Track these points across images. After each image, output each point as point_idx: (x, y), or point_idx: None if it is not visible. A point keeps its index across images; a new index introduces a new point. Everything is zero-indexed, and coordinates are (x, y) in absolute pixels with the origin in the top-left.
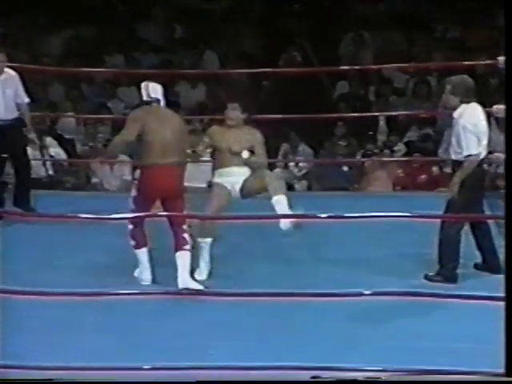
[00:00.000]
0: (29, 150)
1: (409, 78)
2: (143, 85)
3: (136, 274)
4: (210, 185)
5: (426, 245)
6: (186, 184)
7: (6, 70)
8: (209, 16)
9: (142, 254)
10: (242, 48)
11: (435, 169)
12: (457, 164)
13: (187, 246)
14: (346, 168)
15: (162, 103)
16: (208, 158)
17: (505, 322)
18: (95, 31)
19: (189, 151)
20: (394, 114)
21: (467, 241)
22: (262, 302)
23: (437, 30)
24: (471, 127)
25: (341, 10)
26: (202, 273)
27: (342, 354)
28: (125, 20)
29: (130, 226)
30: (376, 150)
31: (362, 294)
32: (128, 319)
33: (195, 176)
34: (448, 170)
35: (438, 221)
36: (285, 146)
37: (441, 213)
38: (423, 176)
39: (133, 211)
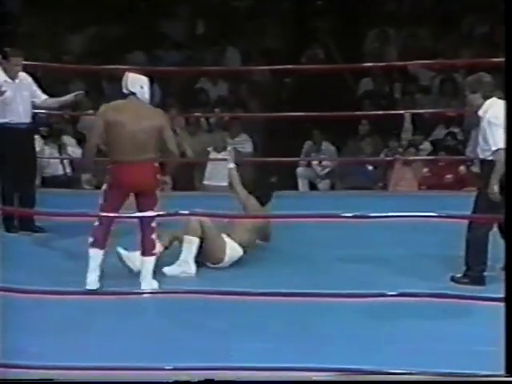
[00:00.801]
0: (46, 149)
1: (435, 75)
2: (124, 76)
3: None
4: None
5: (453, 246)
6: (206, 183)
7: (20, 73)
8: (231, 13)
9: (95, 255)
10: (264, 45)
11: (462, 168)
12: (486, 163)
13: (155, 250)
14: (370, 167)
15: (144, 96)
16: (227, 157)
17: (505, 322)
18: (116, 28)
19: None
20: (419, 111)
21: (495, 242)
22: (284, 302)
23: (464, 26)
24: (496, 121)
25: (365, 6)
26: (191, 267)
27: (362, 355)
28: (146, 17)
29: (96, 223)
30: (400, 149)
31: (385, 295)
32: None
33: (214, 174)
34: (475, 169)
35: (465, 221)
36: (307, 145)
37: (468, 213)
38: (449, 175)
39: (101, 206)
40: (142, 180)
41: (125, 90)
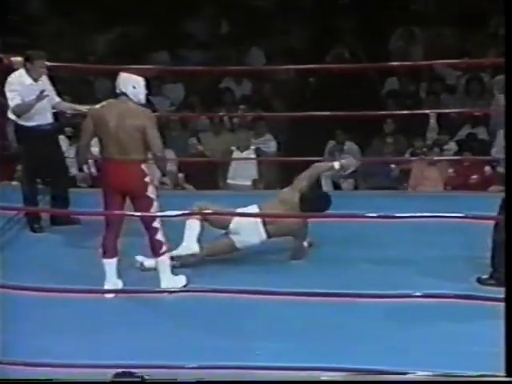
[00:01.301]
0: (71, 149)
1: (461, 74)
2: (118, 76)
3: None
4: (255, 182)
5: (479, 247)
6: (229, 182)
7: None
8: (255, 12)
9: (109, 264)
10: (288, 44)
11: (487, 168)
12: None
13: (163, 249)
14: (394, 167)
15: (138, 97)
16: (253, 156)
17: (505, 322)
18: (141, 28)
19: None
20: (444, 111)
21: None
22: (307, 302)
23: (491, 26)
24: None
25: (390, 5)
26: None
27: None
28: (171, 16)
29: (104, 233)
30: (425, 149)
31: (411, 296)
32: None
33: (239, 173)
34: (501, 169)
35: (491, 222)
36: (330, 144)
37: (493, 214)
38: (475, 176)
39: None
40: (127, 181)
41: (117, 90)
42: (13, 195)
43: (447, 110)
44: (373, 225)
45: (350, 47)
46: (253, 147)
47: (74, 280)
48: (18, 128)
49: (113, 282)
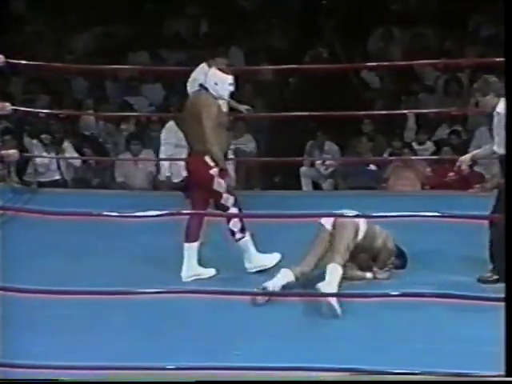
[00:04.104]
0: (46, 155)
1: (439, 74)
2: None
3: None
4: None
5: (457, 245)
6: None
7: None
8: (235, 12)
9: (190, 249)
10: (268, 44)
11: (465, 167)
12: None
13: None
14: (373, 166)
15: (218, 93)
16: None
17: (505, 322)
18: (121, 28)
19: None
20: (422, 111)
21: None
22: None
23: (470, 26)
24: None
25: (370, 6)
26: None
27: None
28: (150, 16)
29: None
30: (404, 149)
31: (388, 295)
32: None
33: None
34: (478, 169)
35: (469, 221)
36: (310, 144)
37: (471, 213)
38: (452, 173)
39: None
40: (193, 173)
41: (201, 81)
42: None
43: (425, 111)
44: None
45: (329, 47)
46: (232, 147)
47: None
48: None
49: (192, 266)
